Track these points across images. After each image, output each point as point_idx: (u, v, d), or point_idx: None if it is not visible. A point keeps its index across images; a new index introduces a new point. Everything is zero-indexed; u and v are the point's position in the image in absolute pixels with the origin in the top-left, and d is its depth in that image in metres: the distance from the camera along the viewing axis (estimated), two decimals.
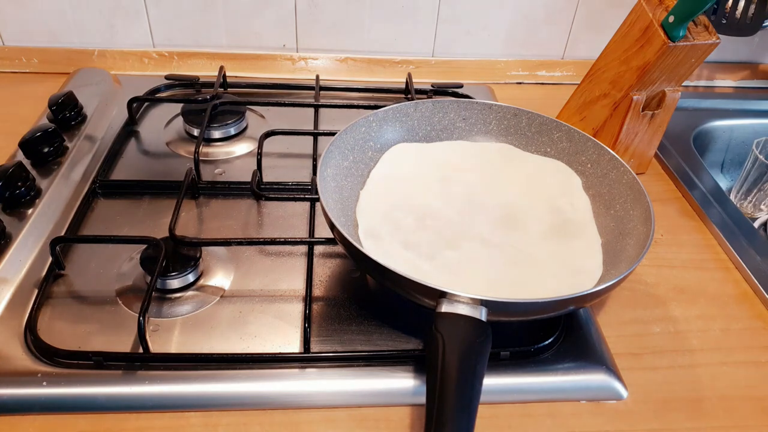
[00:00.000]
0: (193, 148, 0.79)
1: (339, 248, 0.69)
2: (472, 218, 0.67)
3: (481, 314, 0.50)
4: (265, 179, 0.78)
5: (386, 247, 0.62)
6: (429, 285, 0.51)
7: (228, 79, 0.97)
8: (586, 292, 0.53)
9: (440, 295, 0.51)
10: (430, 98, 0.96)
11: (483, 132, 0.77)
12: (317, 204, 0.73)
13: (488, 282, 0.60)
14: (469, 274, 0.60)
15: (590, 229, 0.67)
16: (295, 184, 0.78)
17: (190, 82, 0.96)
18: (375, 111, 0.72)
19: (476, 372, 0.48)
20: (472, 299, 0.50)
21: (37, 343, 0.56)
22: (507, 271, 0.61)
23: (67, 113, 0.84)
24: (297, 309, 0.62)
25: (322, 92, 0.96)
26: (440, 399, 0.46)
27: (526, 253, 0.63)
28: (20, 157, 0.77)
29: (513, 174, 0.73)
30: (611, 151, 0.70)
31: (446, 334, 0.49)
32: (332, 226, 0.57)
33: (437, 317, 0.50)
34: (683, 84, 0.82)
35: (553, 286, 0.60)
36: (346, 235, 0.55)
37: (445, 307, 0.50)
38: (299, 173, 0.81)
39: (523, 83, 1.09)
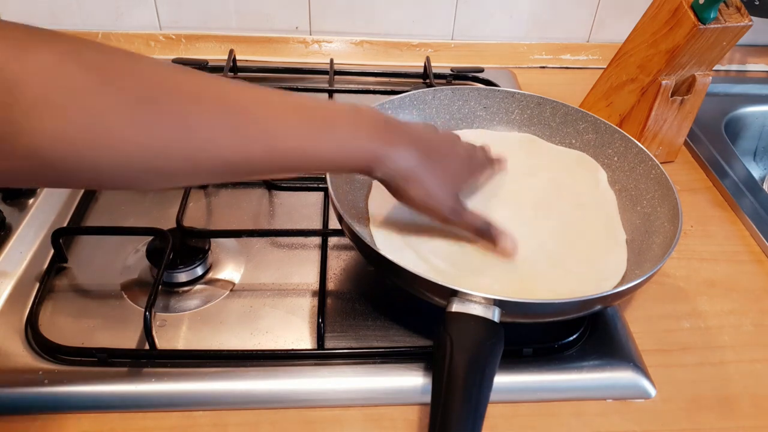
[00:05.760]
0: None
1: None
2: (491, 212, 0.65)
3: (494, 315, 0.49)
4: None
5: (398, 240, 0.61)
6: (439, 283, 0.50)
7: (238, 63, 0.96)
8: (604, 294, 0.52)
9: (451, 294, 0.50)
10: (450, 83, 0.96)
11: (505, 122, 0.77)
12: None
13: (504, 280, 0.59)
14: (485, 271, 0.59)
15: (615, 226, 0.66)
16: None
17: (199, 66, 0.95)
18: (391, 98, 0.71)
19: (485, 376, 0.47)
20: (485, 299, 0.49)
21: (39, 339, 0.55)
22: (524, 268, 0.60)
23: None
24: (310, 303, 0.62)
25: (336, 77, 0.95)
26: (445, 404, 0.45)
27: (545, 250, 0.62)
28: None
29: (535, 166, 0.72)
30: (639, 143, 0.69)
31: (455, 335, 0.48)
32: (340, 218, 0.57)
33: (447, 317, 0.49)
34: (714, 68, 0.82)
35: (573, 285, 0.58)
36: (354, 228, 0.55)
37: (456, 307, 0.49)
38: None
39: (547, 67, 1.08)
